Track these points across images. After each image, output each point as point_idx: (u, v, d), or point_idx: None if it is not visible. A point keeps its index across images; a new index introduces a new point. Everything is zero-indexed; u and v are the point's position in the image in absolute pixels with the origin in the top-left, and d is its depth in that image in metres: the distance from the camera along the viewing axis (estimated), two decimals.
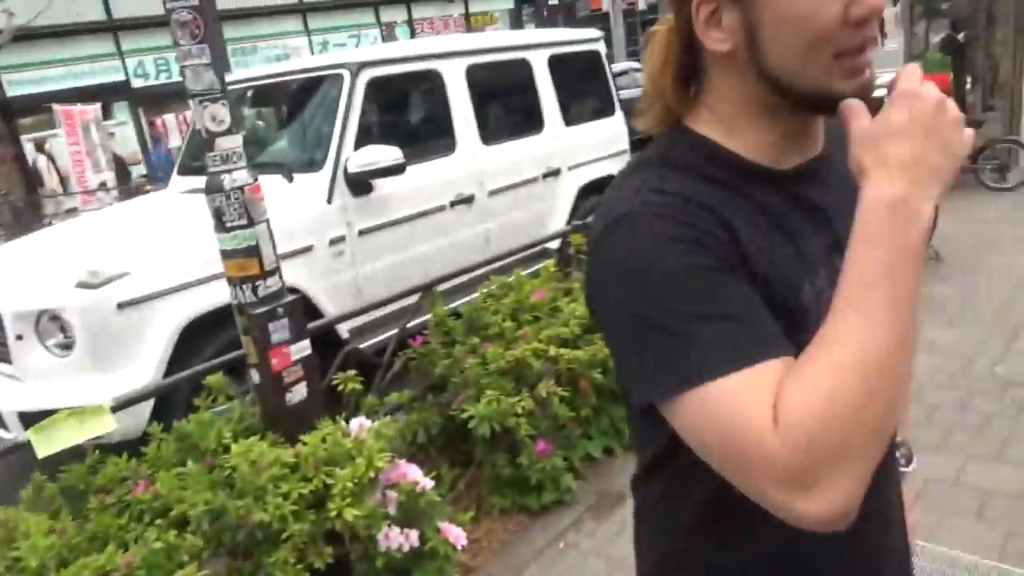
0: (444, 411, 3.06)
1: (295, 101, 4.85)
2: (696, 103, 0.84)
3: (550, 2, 26.24)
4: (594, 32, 6.15)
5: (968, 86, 8.01)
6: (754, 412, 0.64)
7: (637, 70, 14.45)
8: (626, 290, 0.72)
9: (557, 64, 5.44)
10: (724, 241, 0.72)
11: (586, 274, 0.80)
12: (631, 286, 0.72)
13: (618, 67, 13.23)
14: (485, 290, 3.57)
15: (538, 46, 5.38)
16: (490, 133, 4.92)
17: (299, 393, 2.43)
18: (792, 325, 0.72)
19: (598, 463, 3.28)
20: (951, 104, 0.69)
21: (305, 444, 2.28)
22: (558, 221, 5.28)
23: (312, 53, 16.53)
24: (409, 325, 3.43)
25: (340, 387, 2.80)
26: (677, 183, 0.76)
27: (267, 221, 2.36)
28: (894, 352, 0.63)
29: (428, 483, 2.44)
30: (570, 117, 5.53)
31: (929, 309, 4.47)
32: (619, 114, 6.09)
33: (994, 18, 7.92)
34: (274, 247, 2.39)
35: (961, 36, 7.87)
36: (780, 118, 0.80)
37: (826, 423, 0.61)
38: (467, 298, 3.67)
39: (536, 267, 4.04)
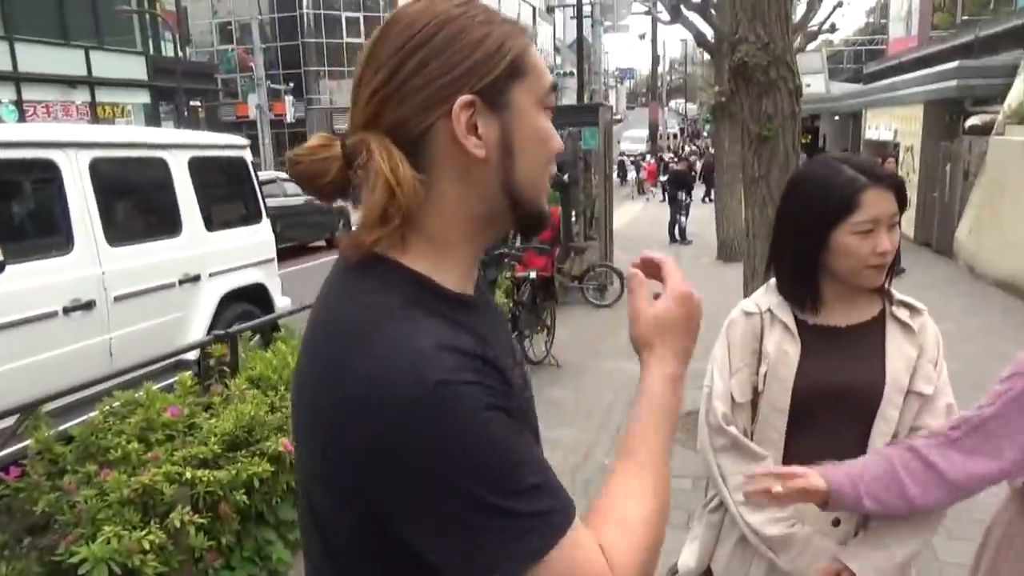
0: (47, 556, 2.53)
1: None
2: (401, 230, 0.77)
3: (191, 103, 25.27)
4: (240, 139, 6.03)
5: (573, 218, 9.50)
6: (595, 563, 0.70)
7: (285, 180, 14.50)
8: (455, 472, 0.67)
9: (199, 167, 5.18)
10: (509, 394, 0.73)
11: (380, 451, 0.68)
12: (461, 467, 0.67)
13: (265, 176, 13.22)
14: (106, 408, 3.12)
15: (178, 146, 5.09)
16: (117, 233, 4.44)
17: None
18: None
19: None
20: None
21: None
22: (197, 331, 4.90)
23: None
24: (0, 454, 2.84)
25: None
26: (443, 332, 0.71)
27: None
28: (669, 493, 0.80)
29: None
30: (212, 222, 5.28)
31: (551, 411, 5.02)
32: (266, 222, 5.98)
33: (589, 165, 9.60)
34: None
35: (566, 177, 9.36)
36: (483, 240, 0.83)
37: (647, 563, 0.74)
38: (83, 418, 3.17)
39: (170, 380, 3.66)
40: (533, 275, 6.43)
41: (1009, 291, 8.34)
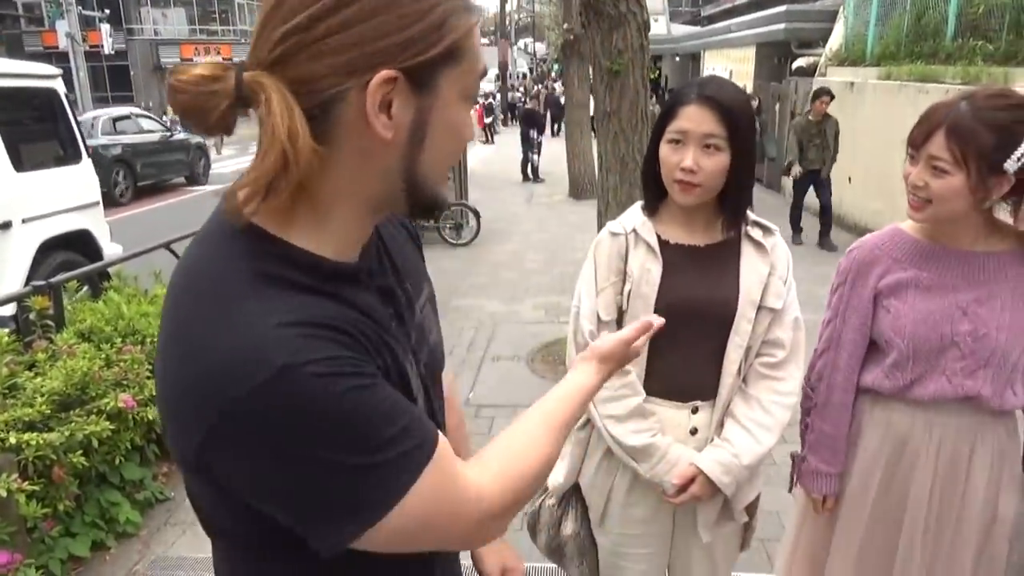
0: None
1: None
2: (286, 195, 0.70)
3: None
4: (49, 68, 5.38)
5: None
6: (460, 495, 0.74)
7: (140, 115, 13.64)
8: (305, 441, 0.65)
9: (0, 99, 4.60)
10: (363, 355, 0.70)
11: (225, 437, 0.65)
12: (313, 436, 0.65)
13: (119, 111, 12.29)
14: None
15: None
16: None
17: None
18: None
19: (88, 562, 2.76)
20: None
21: None
22: (11, 283, 4.41)
23: None
24: None
25: None
26: (294, 306, 0.67)
27: None
28: (556, 457, 0.87)
29: None
30: (23, 162, 4.71)
31: None
32: (87, 162, 5.42)
33: None
34: None
35: None
36: (372, 220, 0.78)
37: (515, 504, 0.81)
38: None
39: None
40: None
41: None
